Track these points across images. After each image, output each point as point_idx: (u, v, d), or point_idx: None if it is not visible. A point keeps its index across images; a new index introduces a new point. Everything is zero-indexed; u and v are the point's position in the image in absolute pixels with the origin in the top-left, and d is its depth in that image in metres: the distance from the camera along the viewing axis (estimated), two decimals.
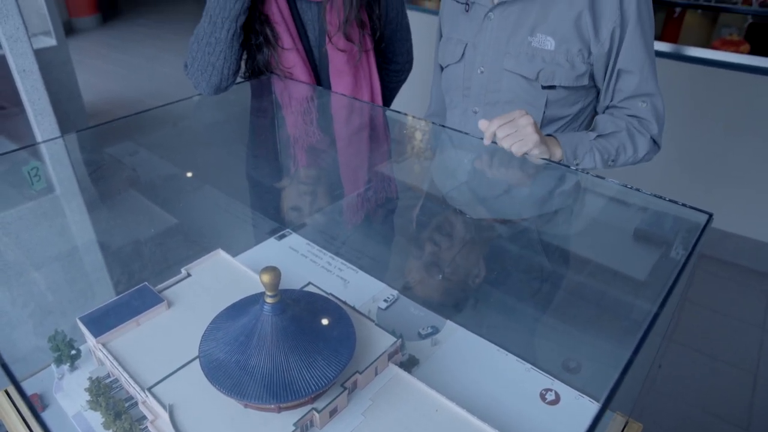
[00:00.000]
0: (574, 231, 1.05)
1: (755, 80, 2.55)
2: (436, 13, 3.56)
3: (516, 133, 0.93)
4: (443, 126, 1.18)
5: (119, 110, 4.67)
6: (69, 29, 7.29)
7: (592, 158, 1.02)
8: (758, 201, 2.68)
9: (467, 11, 1.14)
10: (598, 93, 1.11)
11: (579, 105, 1.09)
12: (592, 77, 1.07)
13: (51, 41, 3.25)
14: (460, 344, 0.88)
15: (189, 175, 1.32)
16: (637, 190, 0.80)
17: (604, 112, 1.11)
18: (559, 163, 0.99)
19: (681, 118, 2.80)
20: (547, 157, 0.97)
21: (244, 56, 1.31)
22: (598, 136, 1.04)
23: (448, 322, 0.91)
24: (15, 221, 1.25)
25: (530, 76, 1.05)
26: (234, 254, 1.03)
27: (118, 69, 5.87)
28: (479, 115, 1.15)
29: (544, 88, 1.06)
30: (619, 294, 0.92)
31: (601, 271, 0.97)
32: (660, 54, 2.76)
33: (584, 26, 1.01)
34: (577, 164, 1.01)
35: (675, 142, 2.82)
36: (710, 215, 0.70)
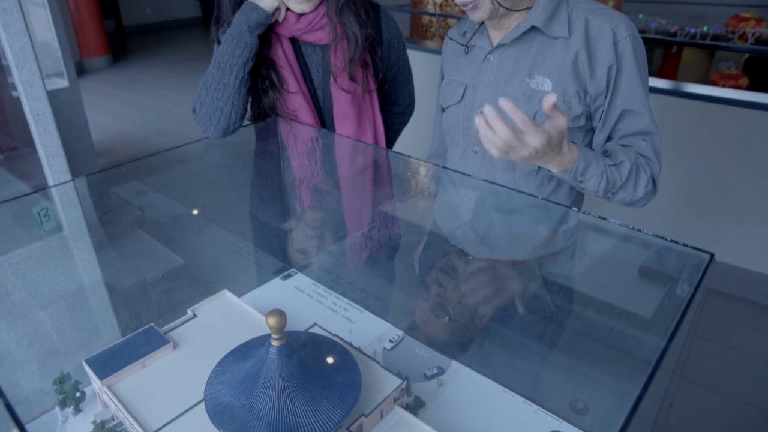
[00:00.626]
0: (577, 270, 1.05)
1: (755, 115, 2.58)
2: (437, 52, 3.64)
3: (507, 147, 0.88)
4: (444, 168, 1.20)
5: (127, 148, 4.74)
6: (80, 69, 7.48)
7: (597, 183, 1.00)
8: (764, 235, 2.67)
9: (467, 53, 1.17)
10: None
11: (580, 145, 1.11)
12: (589, 118, 1.09)
13: (63, 83, 3.33)
14: (466, 385, 0.87)
15: (195, 214, 1.33)
16: (638, 230, 0.81)
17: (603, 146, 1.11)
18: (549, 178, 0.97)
19: (683, 154, 2.82)
20: (543, 165, 0.95)
21: (250, 100, 1.34)
22: (613, 164, 1.03)
23: (454, 363, 0.91)
24: (23, 261, 1.26)
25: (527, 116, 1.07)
26: (240, 294, 1.04)
27: (126, 108, 5.99)
28: (479, 154, 1.17)
29: None
30: (626, 332, 0.92)
31: (606, 309, 0.96)
32: (660, 91, 2.79)
33: (580, 67, 1.03)
34: (580, 182, 1.00)
35: (678, 178, 2.84)
36: (712, 255, 0.70)
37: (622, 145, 1.07)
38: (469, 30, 1.17)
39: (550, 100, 0.84)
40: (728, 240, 2.75)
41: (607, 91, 1.05)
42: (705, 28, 11.22)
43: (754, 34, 10.56)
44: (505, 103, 0.83)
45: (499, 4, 1.03)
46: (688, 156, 2.82)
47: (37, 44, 3.51)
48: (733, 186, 2.71)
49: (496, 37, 1.12)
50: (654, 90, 2.78)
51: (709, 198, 2.79)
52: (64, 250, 1.33)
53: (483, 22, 1.13)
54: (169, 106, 6.00)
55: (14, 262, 1.25)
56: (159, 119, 5.55)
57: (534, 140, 0.86)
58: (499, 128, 0.85)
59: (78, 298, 1.26)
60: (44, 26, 3.27)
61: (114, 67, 8.03)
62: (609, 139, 1.09)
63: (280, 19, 1.25)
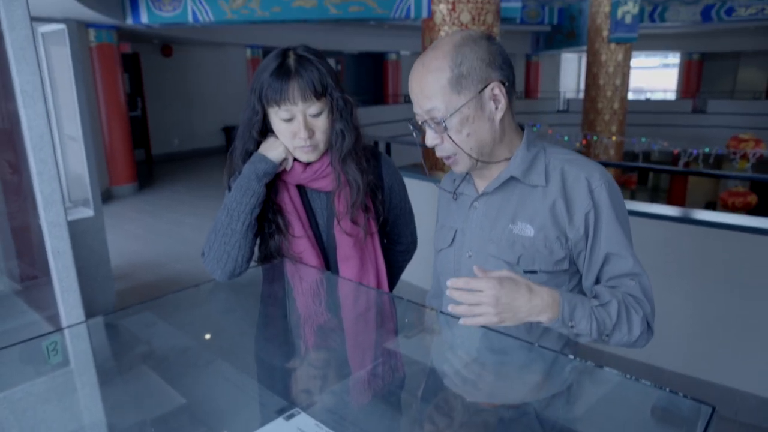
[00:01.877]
0: (572, 416, 1.01)
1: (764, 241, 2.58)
2: None
3: (471, 308, 0.96)
4: (441, 312, 1.22)
5: (144, 273, 4.84)
6: (108, 196, 7.88)
7: (588, 325, 1.00)
8: None
9: (455, 200, 1.24)
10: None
11: (563, 289, 1.12)
12: (572, 262, 1.12)
13: (89, 212, 3.50)
14: None
15: (201, 350, 1.34)
16: (636, 379, 0.80)
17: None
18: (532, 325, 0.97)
19: (696, 281, 2.80)
20: (525, 321, 0.98)
21: (258, 242, 1.41)
22: (600, 305, 1.04)
23: None
24: (24, 397, 1.25)
25: (511, 260, 1.11)
26: None
27: (147, 233, 6.21)
28: None
29: (526, 272, 1.10)
30: None
31: None
32: (670, 218, 2.84)
33: (559, 213, 1.08)
34: (571, 327, 1.00)
35: (695, 307, 2.79)
36: (713, 408, 0.68)
37: (611, 286, 1.08)
38: (458, 178, 1.25)
39: (477, 272, 0.98)
40: (753, 369, 2.64)
41: (587, 236, 1.08)
42: (707, 149, 11.67)
43: (754, 154, 10.95)
44: (454, 283, 0.97)
45: (476, 159, 1.11)
46: (701, 282, 2.80)
47: (69, 176, 3.75)
48: (754, 313, 2.65)
49: (480, 185, 1.19)
50: (661, 217, 2.84)
51: (728, 325, 2.73)
52: (68, 385, 1.32)
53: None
54: (188, 232, 6.21)
55: (15, 398, 1.24)
56: (178, 245, 5.72)
57: (484, 284, 0.95)
58: (462, 297, 0.96)
59: None
60: (77, 159, 3.52)
61: (140, 194, 8.45)
62: (597, 281, 1.11)
63: (288, 168, 1.35)
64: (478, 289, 0.95)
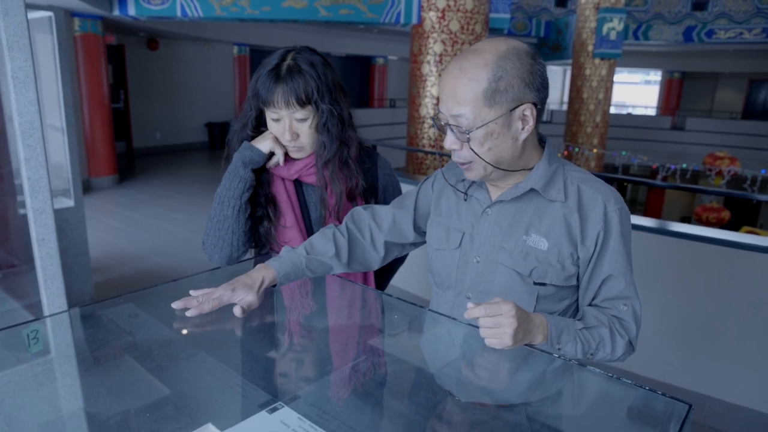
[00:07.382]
0: (558, 416, 1.04)
1: (735, 254, 2.67)
2: None
3: (493, 330, 0.97)
4: (431, 311, 1.23)
5: (122, 266, 4.78)
6: (87, 187, 7.75)
7: (574, 347, 1.04)
8: (759, 370, 2.64)
9: (465, 200, 1.22)
10: None
11: (566, 302, 1.16)
12: (578, 279, 1.14)
13: (69, 202, 3.46)
14: None
15: (185, 341, 1.34)
16: (618, 378, 0.83)
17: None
18: (533, 346, 1.01)
19: (671, 290, 2.87)
20: (526, 343, 1.01)
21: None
22: (584, 327, 1.08)
23: None
24: (3, 385, 1.23)
25: (524, 272, 1.12)
26: (225, 426, 1.02)
27: (126, 226, 6.12)
28: (472, 299, 1.20)
29: (536, 284, 1.12)
30: None
31: None
32: (647, 229, 2.91)
33: (574, 230, 1.10)
34: (558, 349, 1.04)
35: (669, 315, 2.87)
36: (690, 406, 0.71)
37: (603, 307, 1.12)
38: (467, 179, 1.21)
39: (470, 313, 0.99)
40: (724, 376, 2.72)
41: (593, 256, 1.10)
42: (684, 165, 11.92)
43: (729, 171, 11.23)
44: (469, 308, 0.99)
45: (494, 166, 1.09)
46: (675, 291, 2.87)
47: (49, 165, 3.69)
48: (720, 322, 2.73)
49: (494, 192, 1.18)
50: (639, 228, 2.91)
51: (699, 334, 2.80)
52: (48, 374, 1.31)
53: None
54: (169, 226, 6.14)
55: None
56: (157, 238, 5.66)
57: (505, 313, 0.96)
58: (477, 312, 0.98)
59: (54, 427, 1.22)
60: (59, 149, 3.47)
61: (119, 186, 8.34)
62: (593, 298, 1.14)
63: (281, 163, 1.39)
64: (497, 313, 0.97)
